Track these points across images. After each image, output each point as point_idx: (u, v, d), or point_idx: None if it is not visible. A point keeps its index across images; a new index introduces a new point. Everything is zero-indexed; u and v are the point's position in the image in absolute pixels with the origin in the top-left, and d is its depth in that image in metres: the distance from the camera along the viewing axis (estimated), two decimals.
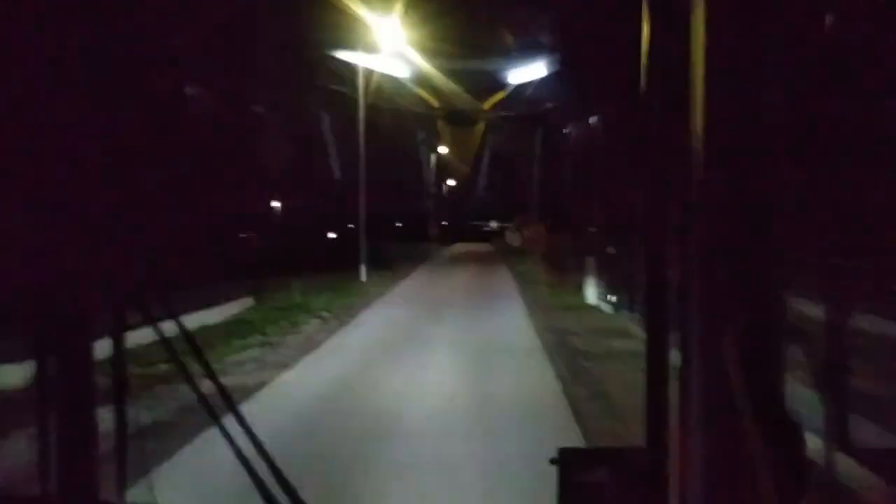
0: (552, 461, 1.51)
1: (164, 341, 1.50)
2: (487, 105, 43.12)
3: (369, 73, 30.53)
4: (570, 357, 10.90)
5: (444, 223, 54.06)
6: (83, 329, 1.58)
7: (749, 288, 1.31)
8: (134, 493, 1.69)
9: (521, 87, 37.81)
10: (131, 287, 1.55)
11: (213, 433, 1.55)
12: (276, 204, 30.11)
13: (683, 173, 1.35)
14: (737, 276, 1.31)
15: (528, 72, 34.97)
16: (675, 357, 1.49)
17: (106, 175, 1.71)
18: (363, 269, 23.39)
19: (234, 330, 12.92)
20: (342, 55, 29.06)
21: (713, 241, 1.32)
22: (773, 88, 1.31)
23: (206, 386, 1.56)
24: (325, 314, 15.54)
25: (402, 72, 34.80)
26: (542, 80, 34.78)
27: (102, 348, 1.61)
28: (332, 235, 33.39)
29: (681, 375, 1.47)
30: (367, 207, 25.09)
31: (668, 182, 1.41)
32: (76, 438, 1.58)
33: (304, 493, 1.47)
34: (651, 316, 1.47)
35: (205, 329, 11.90)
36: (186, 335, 1.55)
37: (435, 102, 41.68)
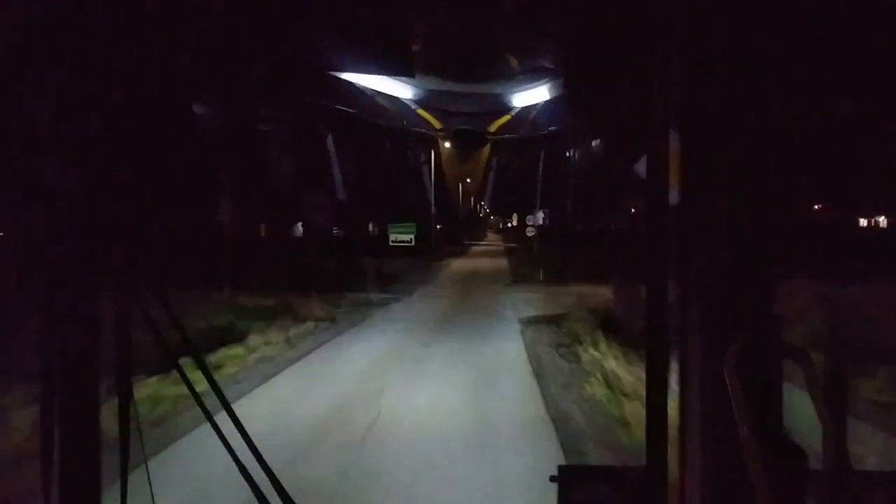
0: (552, 478, 1.51)
1: (161, 341, 1.51)
2: (493, 128, 43.33)
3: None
4: None
5: None
6: (90, 333, 1.59)
7: (749, 308, 1.33)
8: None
9: (525, 110, 38.05)
10: (135, 286, 1.56)
11: None
12: None
13: (684, 193, 1.36)
14: (736, 295, 1.33)
15: (533, 95, 35.21)
16: (674, 377, 1.50)
17: (111, 178, 1.73)
18: None
19: None
20: (346, 75, 29.25)
21: (713, 260, 1.34)
22: (776, 108, 1.33)
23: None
24: None
25: (405, 93, 35.01)
26: (546, 103, 35.03)
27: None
28: None
29: (681, 395, 1.48)
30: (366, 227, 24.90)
31: (669, 201, 1.42)
32: (79, 444, 1.58)
33: None
34: (651, 335, 1.48)
35: None
36: (184, 335, 1.56)
37: (437, 124, 41.89)
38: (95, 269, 1.59)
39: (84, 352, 1.58)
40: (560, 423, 7.78)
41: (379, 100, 34.00)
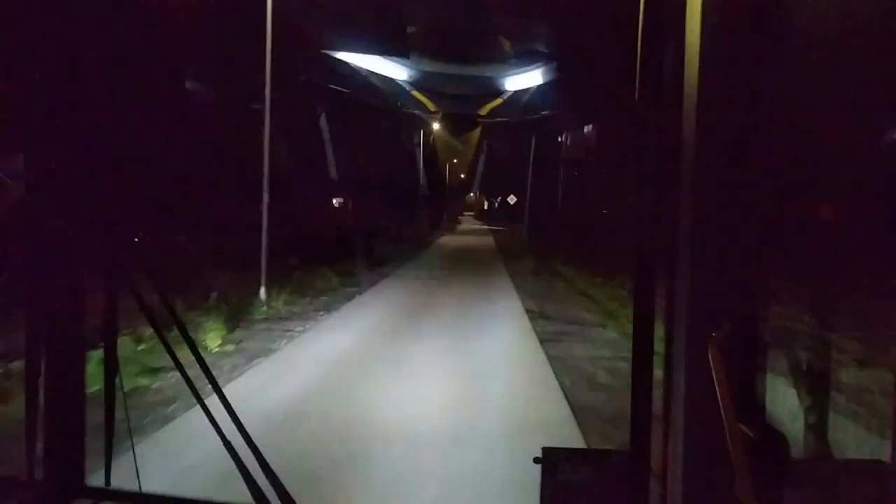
0: (536, 460, 1.52)
1: (154, 325, 1.51)
2: (484, 111, 43.20)
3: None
4: None
5: None
6: (75, 314, 1.58)
7: (734, 297, 1.34)
8: (119, 477, 1.69)
9: (517, 94, 37.90)
10: (124, 269, 1.56)
11: None
12: None
13: (673, 182, 1.37)
14: (722, 285, 1.33)
15: (525, 79, 35.05)
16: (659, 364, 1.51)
17: (102, 166, 1.72)
18: None
19: None
20: (339, 55, 28.98)
21: (701, 249, 1.35)
22: (768, 98, 1.34)
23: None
24: None
25: (399, 74, 34.76)
26: (539, 87, 34.86)
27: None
28: None
29: (666, 382, 1.49)
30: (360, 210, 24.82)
31: (659, 192, 1.43)
32: (64, 423, 1.58)
33: None
34: (637, 322, 1.48)
35: None
36: (176, 320, 1.56)
37: (431, 106, 41.71)
38: (84, 245, 1.58)
39: (70, 338, 1.58)
40: None
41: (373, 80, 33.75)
